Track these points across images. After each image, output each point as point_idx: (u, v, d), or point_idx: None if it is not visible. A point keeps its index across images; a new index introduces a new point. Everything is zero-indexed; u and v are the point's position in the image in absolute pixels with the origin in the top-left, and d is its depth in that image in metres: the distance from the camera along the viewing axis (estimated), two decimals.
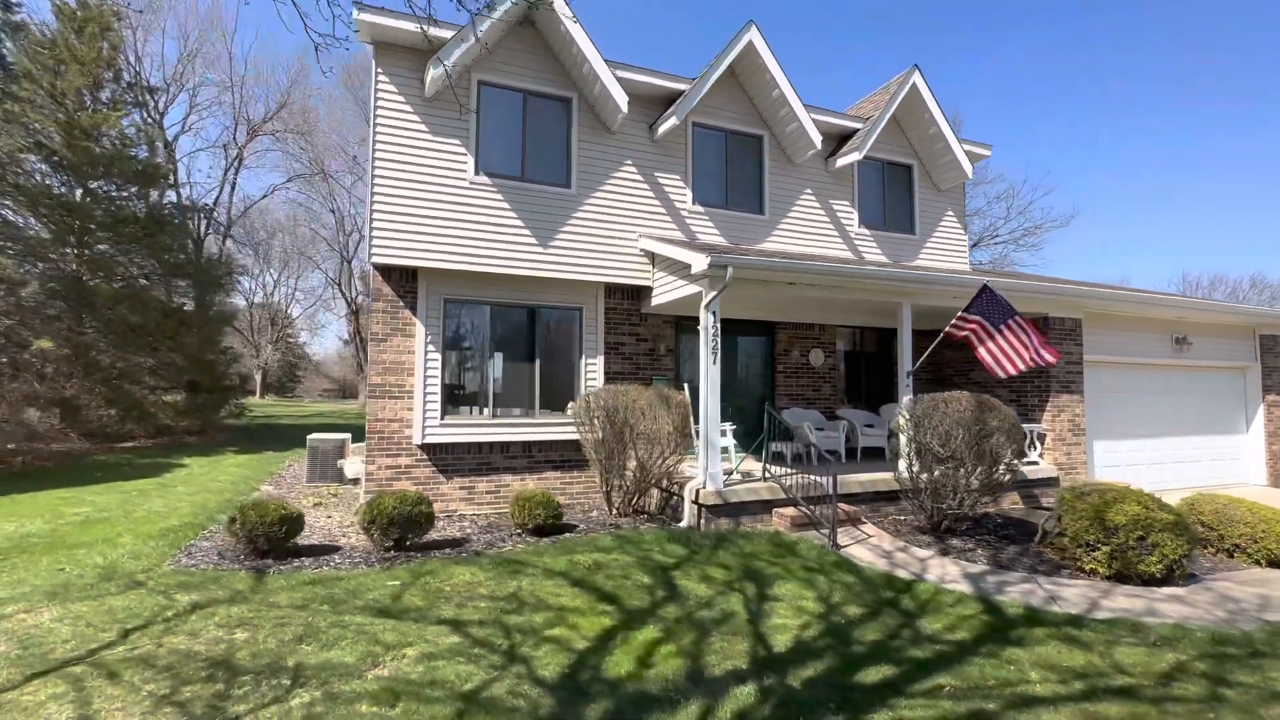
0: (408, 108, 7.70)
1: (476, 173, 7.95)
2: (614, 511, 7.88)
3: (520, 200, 8.14)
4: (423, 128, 7.75)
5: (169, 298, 17.07)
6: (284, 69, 35.17)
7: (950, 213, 11.08)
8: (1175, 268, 66.78)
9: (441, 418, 7.90)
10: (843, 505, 7.43)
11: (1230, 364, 11.40)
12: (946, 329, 7.59)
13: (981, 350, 7.49)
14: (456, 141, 7.90)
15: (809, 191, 9.93)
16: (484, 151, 8.04)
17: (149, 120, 18.55)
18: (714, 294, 7.03)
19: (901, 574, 5.66)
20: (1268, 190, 61.48)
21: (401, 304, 7.95)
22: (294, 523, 6.00)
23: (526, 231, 8.15)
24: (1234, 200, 65.77)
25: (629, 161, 8.79)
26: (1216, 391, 11.43)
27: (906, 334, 8.28)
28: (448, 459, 8.06)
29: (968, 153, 10.54)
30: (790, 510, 7.23)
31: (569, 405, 8.65)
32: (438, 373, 7.94)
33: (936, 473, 6.82)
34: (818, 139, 9.22)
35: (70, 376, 14.14)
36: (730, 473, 7.75)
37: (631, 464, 7.55)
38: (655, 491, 7.98)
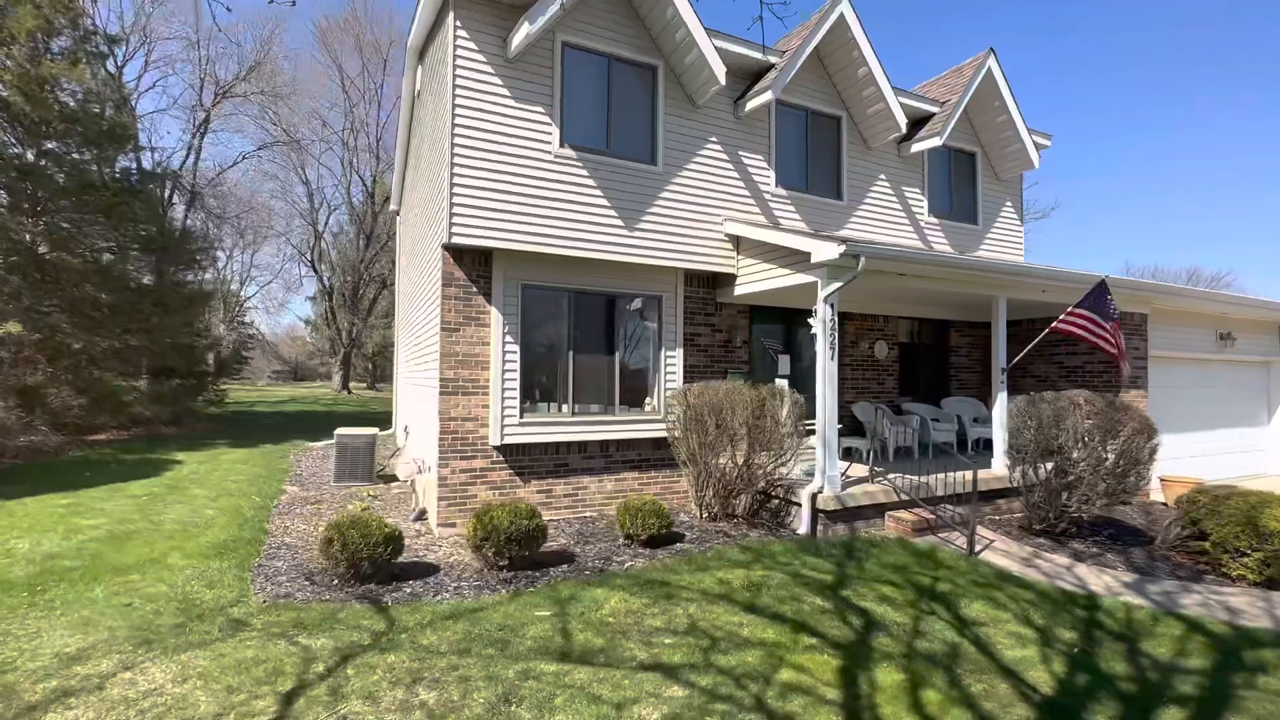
0: (489, 69, 6.83)
1: (561, 144, 7.16)
2: (704, 516, 7.37)
3: (605, 176, 7.41)
4: (504, 92, 6.91)
5: (140, 274, 15.41)
6: (255, 26, 32.32)
7: (1009, 203, 10.90)
8: (1118, 260, 70.24)
9: (520, 416, 7.18)
10: (948, 506, 7.15)
11: (1258, 358, 11.72)
12: (1056, 324, 7.33)
13: (1098, 342, 7.29)
14: (540, 109, 7.09)
15: (883, 177, 9.52)
16: (569, 122, 7.25)
17: (109, 75, 16.54)
18: (837, 285, 6.55)
19: (1064, 585, 5.38)
20: (1202, 187, 65.25)
21: (475, 290, 7.15)
22: (397, 542, 5.25)
23: (611, 211, 7.44)
24: (1171, 196, 69.58)
25: (713, 139, 8.15)
26: (1245, 385, 11.75)
27: (1001, 328, 8.00)
28: (524, 460, 7.36)
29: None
30: (903, 513, 6.89)
31: (645, 401, 8.07)
32: (516, 366, 7.19)
33: (1071, 474, 6.58)
34: (903, 121, 8.79)
35: (33, 363, 12.56)
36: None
37: (726, 465, 7.05)
38: (744, 495, 7.50)
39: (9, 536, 6.35)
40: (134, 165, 16.66)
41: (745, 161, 8.36)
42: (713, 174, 8.12)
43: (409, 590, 5.02)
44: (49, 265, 13.08)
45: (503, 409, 7.07)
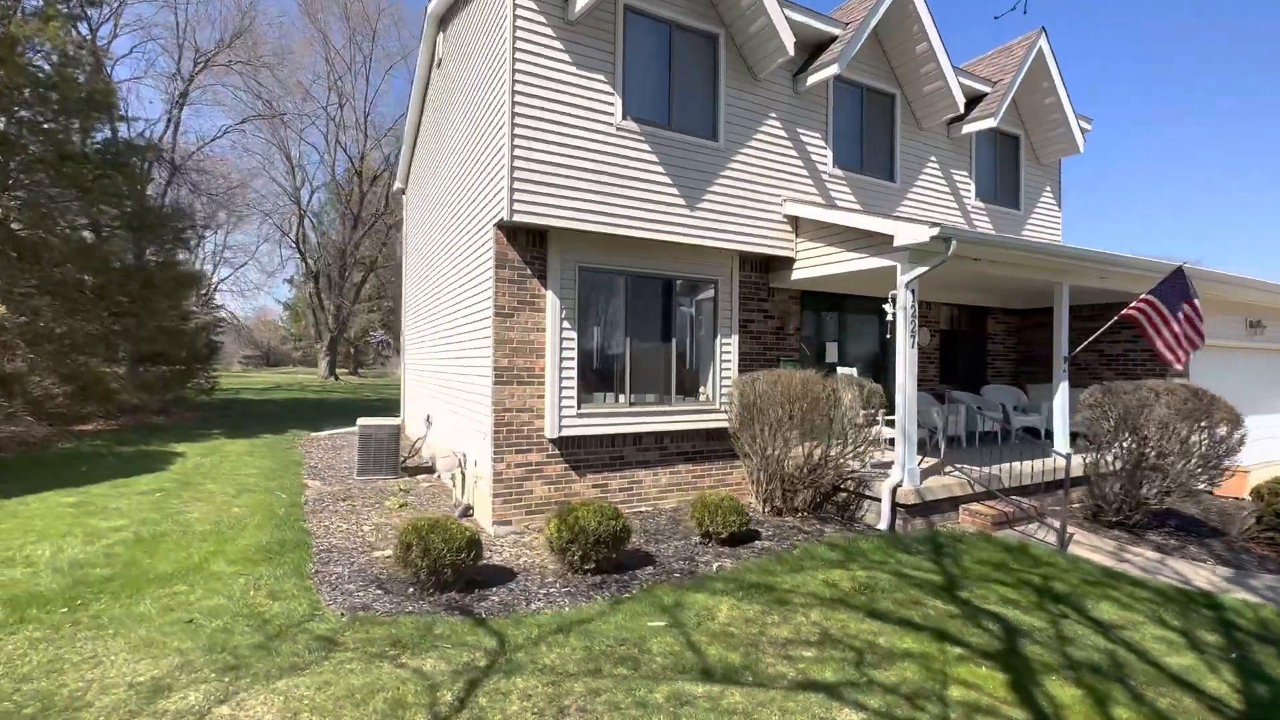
0: (549, 31, 6.30)
1: (623, 117, 6.68)
2: (767, 510, 7.08)
3: (666, 152, 6.96)
4: (565, 58, 6.39)
5: (123, 254, 14.43)
6: None
7: (1049, 188, 10.72)
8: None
9: (578, 407, 6.76)
10: (1015, 497, 6.98)
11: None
12: (1125, 311, 7.14)
13: (1153, 334, 7.13)
14: (601, 78, 6.59)
15: (934, 159, 9.23)
16: (630, 92, 6.76)
17: (84, 39, 15.33)
18: (922, 270, 6.24)
19: (1168, 581, 5.21)
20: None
21: (529, 272, 6.67)
22: (479, 547, 4.83)
23: (674, 189, 7.00)
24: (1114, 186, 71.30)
25: (773, 114, 7.74)
26: (1270, 372, 11.87)
27: (1064, 315, 7.82)
28: (580, 453, 6.95)
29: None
30: (977, 506, 6.69)
31: (700, 391, 7.71)
32: (573, 354, 6.76)
33: (1147, 464, 6.43)
34: (962, 101, 8.49)
35: (12, 348, 11.66)
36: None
37: (795, 458, 6.75)
38: (811, 489, 7.21)
39: (24, 542, 5.75)
40: (114, 136, 15.55)
41: (803, 139, 7.97)
42: (772, 152, 7.72)
43: (496, 599, 4.61)
44: (27, 244, 12.11)
45: (559, 399, 6.64)
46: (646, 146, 6.83)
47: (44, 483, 8.21)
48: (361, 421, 9.39)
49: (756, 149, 7.60)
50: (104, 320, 12.96)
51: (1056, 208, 10.82)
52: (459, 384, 8.02)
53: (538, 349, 6.71)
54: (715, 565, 5.40)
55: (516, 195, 6.09)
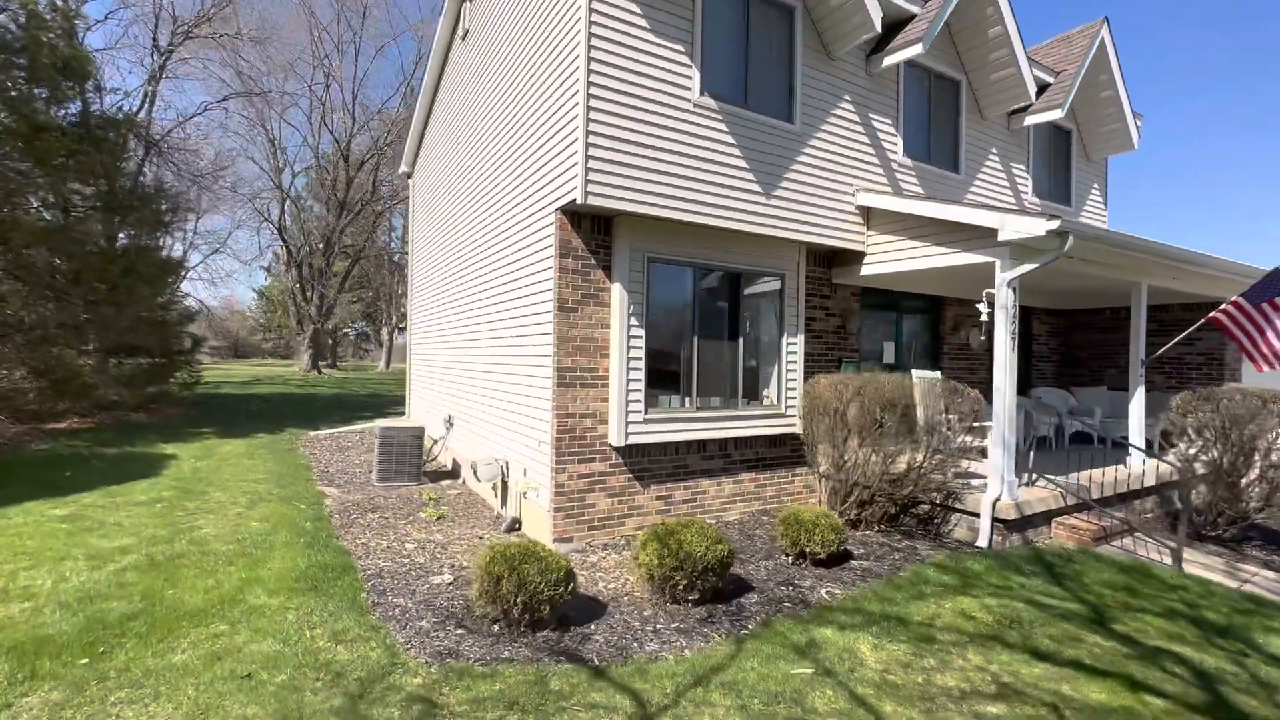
0: None
1: (701, 92, 6.06)
2: (842, 523, 6.56)
3: (742, 133, 6.36)
4: (643, 23, 5.73)
5: (99, 237, 13.26)
6: None
7: (1096, 186, 10.41)
8: None
9: (645, 412, 6.14)
10: (1101, 509, 6.59)
11: None
12: (1213, 314, 6.78)
13: (1240, 337, 6.80)
14: (679, 48, 5.95)
15: (994, 152, 8.80)
16: (707, 65, 6.14)
17: (54, 3, 13.97)
18: (1029, 266, 5.76)
19: None
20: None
21: (594, 262, 6.02)
22: (573, 578, 4.19)
23: (749, 174, 6.41)
24: None
25: (847, 97, 7.19)
26: None
27: (1141, 318, 7.45)
28: (644, 463, 6.34)
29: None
30: (1071, 519, 6.28)
31: (763, 394, 7.15)
32: (641, 354, 6.13)
33: (1246, 475, 6.08)
34: (1033, 89, 8.06)
35: None
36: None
37: (873, 465, 6.26)
38: (884, 501, 6.73)
39: (16, 568, 4.92)
40: (87, 109, 14.29)
41: (875, 125, 7.45)
42: (845, 137, 7.18)
43: (600, 639, 3.99)
44: None
45: (626, 403, 6.01)
46: (723, 126, 6.21)
47: (25, 491, 7.29)
48: (382, 424, 8.62)
49: (830, 134, 7.05)
50: (79, 309, 11.85)
51: (1104, 207, 10.53)
52: (500, 385, 7.32)
53: (602, 347, 6.07)
54: (823, 591, 4.85)
55: (592, 175, 5.43)
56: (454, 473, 9.33)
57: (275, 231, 25.68)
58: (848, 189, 7.18)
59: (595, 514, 6.06)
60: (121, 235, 14.07)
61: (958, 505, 6.19)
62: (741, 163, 6.35)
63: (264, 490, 7.83)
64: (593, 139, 5.43)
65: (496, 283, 7.39)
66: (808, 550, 5.30)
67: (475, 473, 7.09)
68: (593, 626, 4.14)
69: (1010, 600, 4.57)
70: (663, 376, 6.45)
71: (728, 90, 6.29)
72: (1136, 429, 7.39)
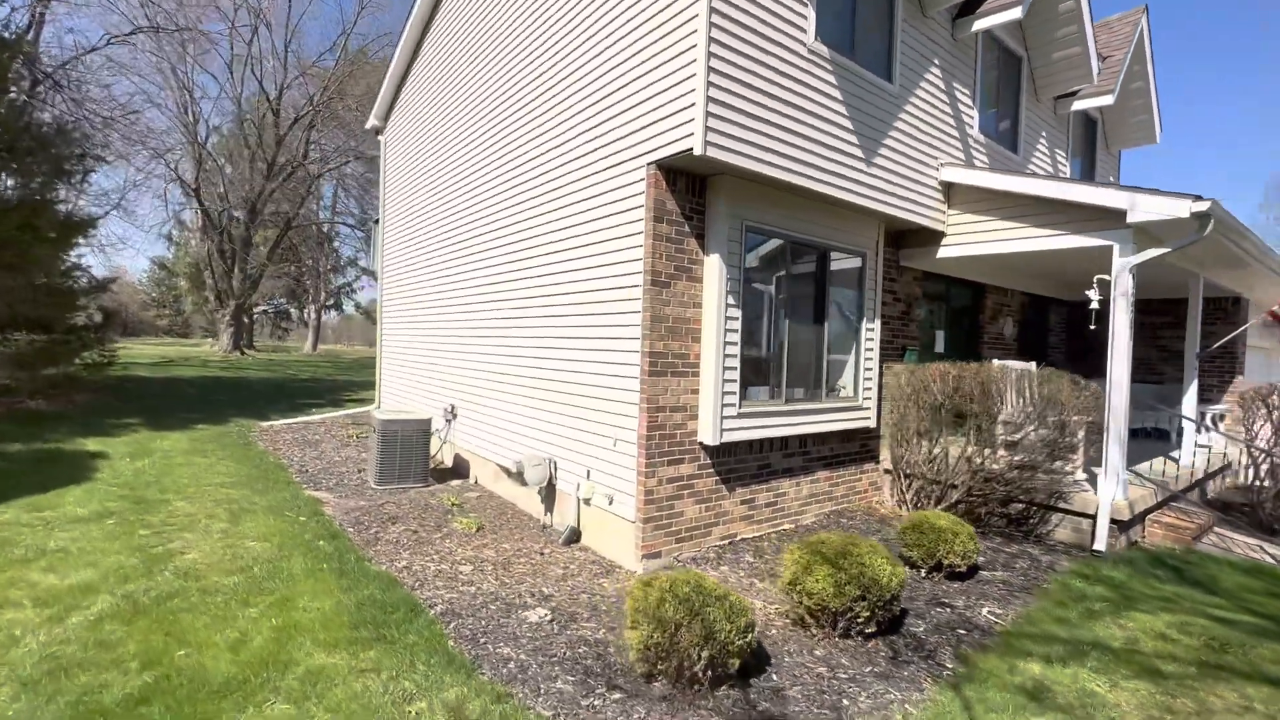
0: None
1: (815, 37, 5.23)
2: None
3: (849, 88, 5.61)
4: None
5: None
6: None
7: (1111, 179, 10.46)
8: None
9: (739, 405, 5.33)
10: (1186, 506, 6.45)
11: None
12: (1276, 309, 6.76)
13: None
14: None
15: (1044, 136, 8.53)
16: (821, 7, 5.32)
17: None
18: (1156, 252, 5.37)
19: None
20: None
21: (687, 230, 5.10)
22: (754, 620, 3.34)
23: (852, 136, 5.67)
24: None
25: (935, 61, 6.59)
26: None
27: (1198, 311, 7.38)
28: (730, 462, 5.54)
29: None
30: (1167, 516, 6.06)
31: (839, 385, 6.51)
32: (737, 338, 5.29)
33: None
34: (1096, 70, 7.78)
35: None
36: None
37: (965, 464, 5.79)
38: (977, 501, 6.28)
39: None
40: None
41: (957, 96, 6.90)
42: (933, 105, 6.58)
43: (796, 693, 3.17)
44: None
45: (721, 396, 5.17)
46: (832, 79, 5.43)
47: None
48: (381, 415, 7.32)
49: (921, 99, 6.43)
50: None
51: None
52: (552, 374, 6.25)
53: (694, 330, 5.18)
54: (984, 611, 4.26)
55: (713, 122, 4.49)
56: (458, 471, 8.15)
57: (189, 192, 22.39)
58: (932, 162, 6.61)
59: (683, 523, 5.21)
60: (10, 183, 11.57)
61: (1062, 505, 5.81)
62: (846, 122, 5.60)
63: (241, 498, 6.41)
64: (714, 78, 4.50)
65: (546, 253, 6.26)
66: (945, 562, 4.69)
67: (514, 473, 6.02)
68: (775, 677, 3.33)
69: (1187, 616, 4.16)
70: (750, 365, 5.65)
71: (838, 39, 5.51)
72: (1192, 421, 7.34)
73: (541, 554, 5.30)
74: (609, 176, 5.31)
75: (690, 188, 5.11)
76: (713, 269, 5.16)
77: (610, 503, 5.29)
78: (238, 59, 23.20)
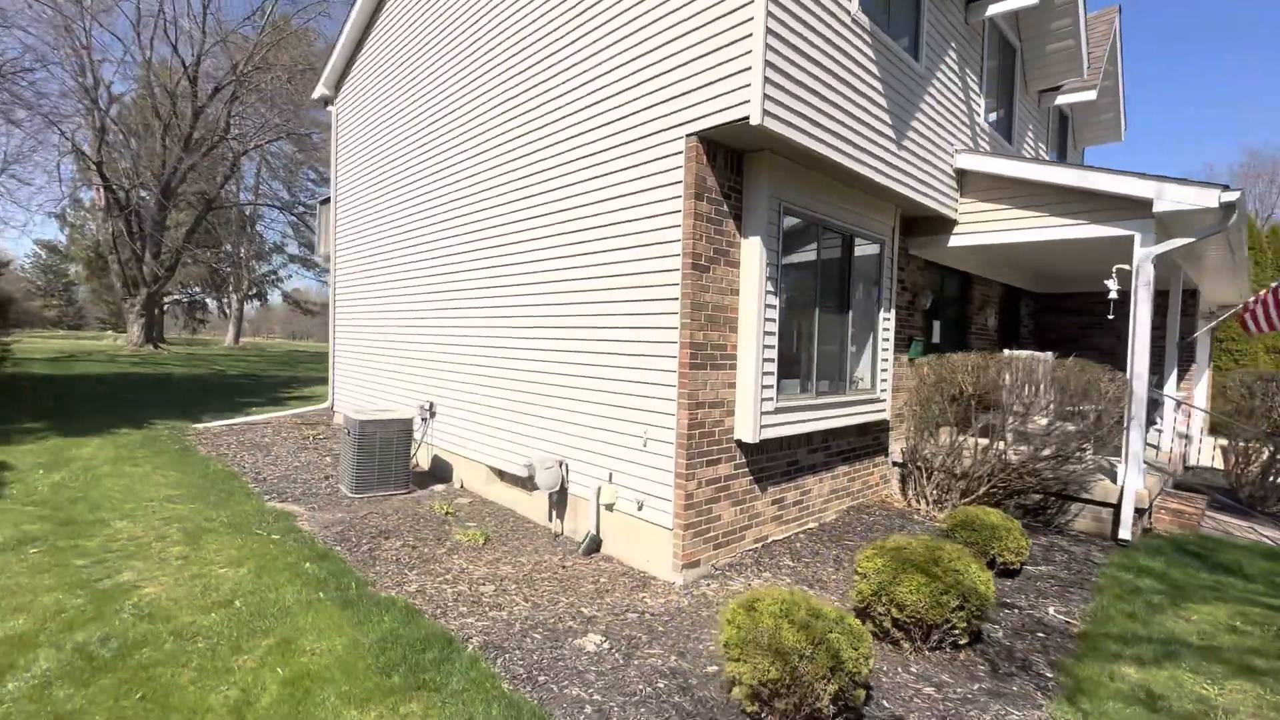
0: None
1: (858, 7, 4.90)
2: (934, 518, 5.98)
3: (884, 62, 5.32)
4: None
5: None
6: None
7: None
8: None
9: (776, 400, 4.98)
10: (1181, 492, 6.65)
11: None
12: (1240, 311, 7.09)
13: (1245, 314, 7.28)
14: None
15: (1031, 128, 8.64)
16: None
17: None
18: (1180, 242, 5.41)
19: None
20: None
21: (726, 209, 4.69)
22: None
23: (885, 114, 5.40)
24: None
25: (953, 44, 6.43)
26: None
27: (1178, 303, 7.66)
28: (762, 460, 5.20)
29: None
30: (1172, 503, 6.19)
31: (856, 376, 6.30)
32: (775, 328, 4.93)
33: None
34: (1086, 64, 7.90)
35: None
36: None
37: (987, 454, 5.73)
38: (994, 491, 6.23)
39: None
40: None
41: (969, 81, 6.79)
42: (950, 89, 6.43)
43: None
44: None
45: (759, 389, 4.80)
46: (871, 52, 5.13)
47: None
48: (358, 417, 6.51)
49: (940, 82, 6.26)
50: None
51: None
52: (567, 366, 5.69)
53: (731, 319, 4.78)
54: (1050, 610, 4.10)
55: (769, 89, 4.07)
56: (438, 475, 7.44)
57: (88, 166, 19.75)
58: (948, 148, 6.47)
59: (719, 528, 4.82)
60: None
61: (1083, 495, 5.81)
62: (881, 100, 5.33)
63: (194, 513, 5.51)
64: (772, 40, 4.08)
65: (558, 235, 5.64)
66: (1000, 559, 4.52)
67: (524, 478, 5.45)
68: (885, 704, 2.98)
69: (1239, 605, 4.16)
70: (788, 356, 5.30)
71: (875, 10, 5.21)
72: (1170, 407, 7.62)
73: (564, 567, 4.78)
74: (639, 149, 4.80)
75: (729, 164, 4.69)
76: (752, 253, 4.77)
77: (639, 508, 4.83)
78: (146, 19, 20.77)
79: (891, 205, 6.28)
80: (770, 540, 5.34)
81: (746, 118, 4.07)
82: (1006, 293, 10.30)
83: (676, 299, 4.52)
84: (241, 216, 31.80)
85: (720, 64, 4.20)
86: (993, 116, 7.59)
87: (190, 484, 6.52)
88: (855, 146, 5.04)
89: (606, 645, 3.50)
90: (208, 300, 37.75)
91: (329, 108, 10.85)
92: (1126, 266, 5.73)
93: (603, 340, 5.14)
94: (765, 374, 4.85)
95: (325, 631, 3.48)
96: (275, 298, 44.41)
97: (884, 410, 6.42)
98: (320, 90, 10.70)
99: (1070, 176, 5.81)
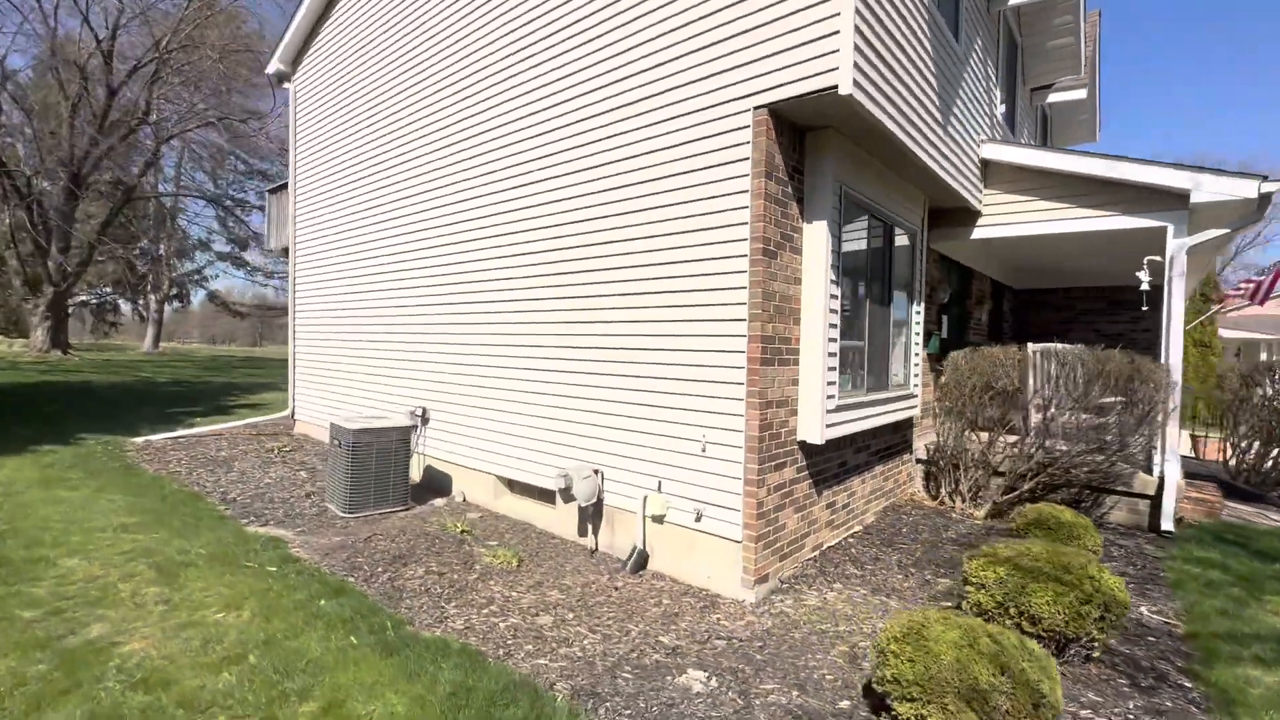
0: None
1: None
2: (983, 514, 5.86)
3: (935, 41, 5.08)
4: None
5: None
6: None
7: None
8: None
9: (837, 396, 4.65)
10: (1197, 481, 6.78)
11: None
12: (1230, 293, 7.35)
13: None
14: None
15: (1026, 126, 8.72)
16: None
17: None
18: (1214, 233, 5.43)
19: None
20: None
21: (790, 191, 4.31)
22: None
23: (933, 93, 5.16)
24: None
25: (980, 31, 6.31)
26: None
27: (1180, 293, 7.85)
28: (820, 463, 4.85)
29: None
30: (1193, 493, 6.26)
31: (890, 372, 6.08)
32: (837, 320, 4.59)
33: None
34: (1085, 54, 8.02)
35: None
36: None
37: (1024, 448, 5.64)
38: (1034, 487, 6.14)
39: None
40: None
41: (989, 71, 6.70)
42: (977, 75, 6.31)
43: None
44: None
45: (825, 386, 4.45)
46: (927, 29, 4.88)
47: None
48: (351, 426, 5.75)
49: (972, 68, 6.12)
50: None
51: None
52: (603, 365, 5.16)
53: (794, 309, 4.42)
54: (1143, 610, 3.93)
55: (858, 56, 3.70)
56: (433, 487, 6.74)
57: None
58: (975, 137, 6.34)
59: (784, 537, 4.45)
60: None
61: (1118, 487, 5.78)
62: (932, 78, 5.09)
63: (160, 545, 4.66)
64: (859, 2, 3.72)
65: (595, 217, 5.10)
66: None
67: (565, 489, 4.88)
68: None
69: None
70: (843, 350, 4.98)
71: None
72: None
73: (615, 588, 4.28)
74: (694, 124, 4.35)
75: (792, 142, 4.32)
76: (817, 239, 4.41)
77: (697, 519, 4.38)
78: None
79: (923, 195, 6.10)
80: (825, 547, 5.01)
81: (834, 87, 3.70)
82: (994, 288, 10.45)
83: (744, 288, 4.10)
84: (161, 209, 29.11)
85: (802, 27, 3.81)
86: (1002, 109, 7.57)
87: (146, 508, 5.58)
88: (914, 127, 4.77)
89: (714, 683, 3.04)
90: (120, 302, 34.40)
91: (285, 85, 9.83)
92: (1159, 258, 5.73)
93: (650, 335, 4.66)
94: (830, 370, 4.51)
95: (375, 688, 2.86)
96: (198, 298, 41.12)
97: (916, 406, 6.23)
98: (275, 65, 9.67)
99: (1102, 167, 5.76)
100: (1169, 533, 5.37)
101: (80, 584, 3.94)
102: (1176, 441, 5.50)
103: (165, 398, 13.22)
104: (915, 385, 6.19)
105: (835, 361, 4.57)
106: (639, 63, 4.65)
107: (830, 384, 4.53)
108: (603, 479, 5.01)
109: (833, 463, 5.05)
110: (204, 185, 30.90)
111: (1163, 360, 5.59)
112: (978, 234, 6.62)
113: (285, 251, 12.16)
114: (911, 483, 6.79)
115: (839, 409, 4.66)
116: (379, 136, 7.57)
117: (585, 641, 3.47)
